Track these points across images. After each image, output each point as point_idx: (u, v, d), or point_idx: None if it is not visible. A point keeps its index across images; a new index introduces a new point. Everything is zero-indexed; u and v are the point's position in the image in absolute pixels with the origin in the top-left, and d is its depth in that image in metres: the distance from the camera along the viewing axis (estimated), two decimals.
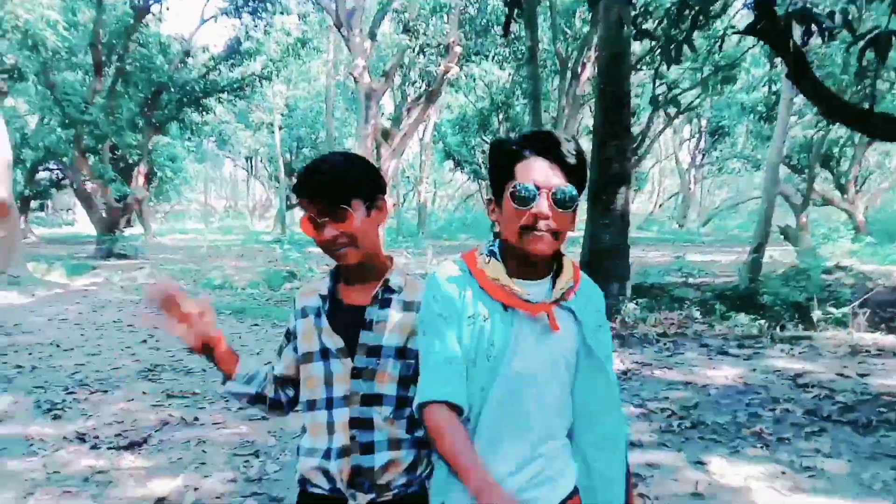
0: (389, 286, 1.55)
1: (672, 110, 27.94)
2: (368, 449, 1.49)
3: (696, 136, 40.73)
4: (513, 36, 19.30)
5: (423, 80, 18.93)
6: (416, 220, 36.28)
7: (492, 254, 1.47)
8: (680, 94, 25.96)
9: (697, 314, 8.88)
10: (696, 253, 21.88)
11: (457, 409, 1.38)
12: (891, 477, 3.70)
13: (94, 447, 4.37)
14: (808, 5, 4.25)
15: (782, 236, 17.55)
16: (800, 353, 6.64)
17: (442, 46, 16.32)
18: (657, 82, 24.30)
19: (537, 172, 1.38)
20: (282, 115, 36.95)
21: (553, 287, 1.46)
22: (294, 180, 1.53)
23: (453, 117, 32.49)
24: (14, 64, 14.12)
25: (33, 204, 32.88)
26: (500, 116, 28.69)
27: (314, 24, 27.52)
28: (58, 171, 30.22)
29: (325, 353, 1.53)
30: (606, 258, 9.25)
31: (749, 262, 11.36)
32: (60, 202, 50.19)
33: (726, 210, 48.40)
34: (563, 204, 1.38)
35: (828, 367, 6.02)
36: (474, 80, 26.51)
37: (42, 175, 31.09)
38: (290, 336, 1.63)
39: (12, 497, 3.61)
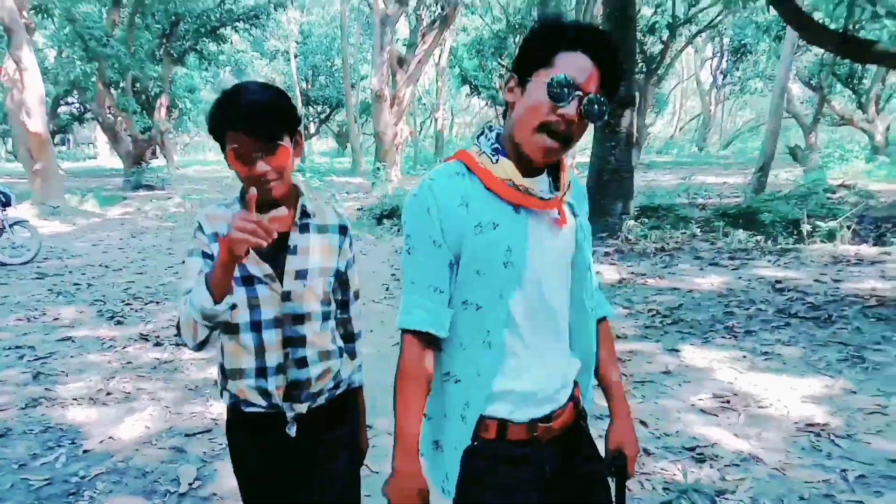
0: (306, 212, 1.63)
1: (693, 28, 27.58)
2: (303, 363, 1.62)
3: (718, 55, 39.86)
4: None
5: (437, 4, 18.89)
6: (434, 148, 36.51)
7: (497, 151, 1.37)
8: (701, 11, 25.58)
9: (698, 232, 9.40)
10: (711, 175, 22.13)
11: (434, 340, 1.36)
12: (835, 359, 4.32)
13: (156, 344, 5.14)
14: None
15: (791, 156, 17.75)
16: (785, 263, 7.19)
17: None
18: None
19: (580, 71, 1.25)
20: (297, 42, 36.84)
21: (557, 181, 1.41)
22: (228, 110, 1.48)
23: (469, 41, 32.21)
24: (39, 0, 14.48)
25: (56, 138, 33.56)
26: (517, 39, 28.49)
27: None
28: (79, 105, 30.80)
29: (247, 279, 1.57)
30: (611, 179, 9.73)
31: (754, 182, 11.73)
32: (81, 136, 51.01)
33: (748, 132, 47.78)
34: (591, 114, 1.26)
35: (808, 275, 6.58)
36: (489, 1, 26.19)
37: (63, 109, 31.67)
38: (212, 258, 1.57)
39: (99, 379, 4.38)
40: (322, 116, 40.94)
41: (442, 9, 18.10)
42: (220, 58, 28.61)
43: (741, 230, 9.28)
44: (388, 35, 16.98)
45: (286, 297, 1.58)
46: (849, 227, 7.95)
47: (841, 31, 4.95)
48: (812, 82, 23.45)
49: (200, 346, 1.54)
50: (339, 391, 1.74)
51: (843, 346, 4.56)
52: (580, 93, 1.24)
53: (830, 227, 7.93)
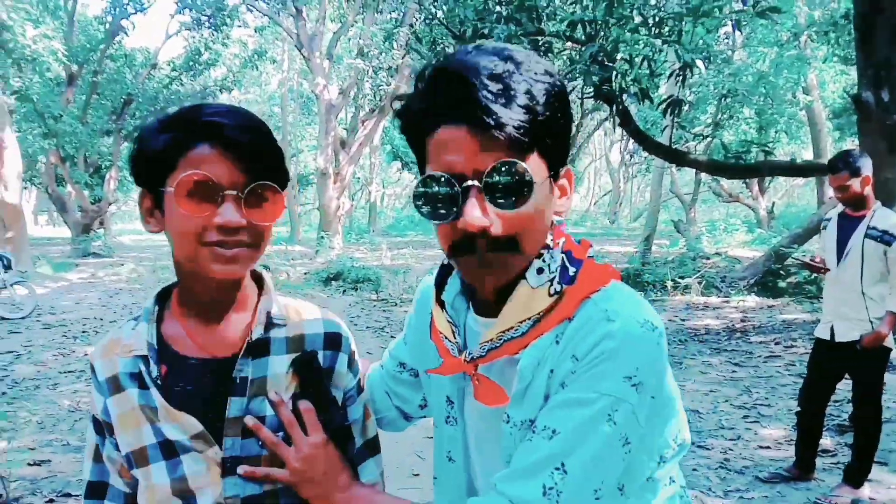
0: (270, 320, 0.98)
1: (601, 114, 31.23)
2: None
3: (625, 138, 44.03)
4: None
5: (375, 96, 21.34)
6: (367, 218, 38.73)
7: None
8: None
9: None
10: (616, 245, 25.06)
11: None
12: None
13: None
14: (631, 80, 6.96)
15: (675, 229, 20.81)
16: None
17: (392, 68, 18.82)
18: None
19: (452, 151, 0.81)
20: None
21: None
22: (195, 117, 0.89)
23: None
24: (20, 87, 16.03)
25: None
26: None
27: (268, 35, 29.62)
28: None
29: (168, 447, 0.94)
30: None
31: (641, 251, 14.29)
32: None
33: (655, 206, 52.22)
34: (504, 195, 0.80)
35: (665, 317, 8.85)
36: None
37: None
38: (105, 428, 0.99)
39: None
40: None
41: (380, 100, 20.51)
42: None
43: None
44: (332, 121, 19.20)
45: (229, 468, 0.94)
46: (700, 283, 10.39)
47: (667, 144, 7.37)
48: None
49: None
50: None
51: (670, 356, 6.72)
52: (472, 180, 0.83)
53: (686, 283, 10.35)
